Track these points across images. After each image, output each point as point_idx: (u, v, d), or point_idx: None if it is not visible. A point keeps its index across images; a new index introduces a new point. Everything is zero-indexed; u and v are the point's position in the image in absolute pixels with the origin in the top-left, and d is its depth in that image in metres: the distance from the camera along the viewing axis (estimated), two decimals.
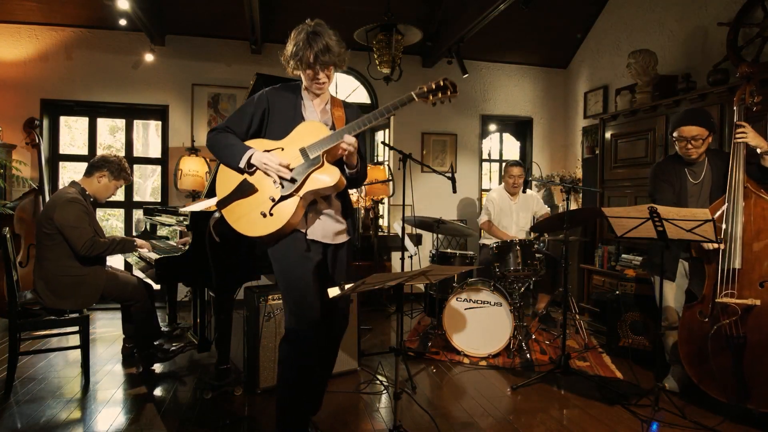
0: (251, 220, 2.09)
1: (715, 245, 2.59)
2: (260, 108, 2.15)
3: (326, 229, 2.19)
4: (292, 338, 2.11)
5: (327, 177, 2.05)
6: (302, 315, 2.07)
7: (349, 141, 2.02)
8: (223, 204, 2.16)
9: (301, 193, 2.05)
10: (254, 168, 2.09)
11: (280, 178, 2.05)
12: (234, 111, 2.23)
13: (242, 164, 2.06)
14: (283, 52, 2.10)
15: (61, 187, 4.66)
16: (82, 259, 3.00)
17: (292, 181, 2.05)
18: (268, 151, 2.10)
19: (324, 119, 2.19)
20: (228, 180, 2.16)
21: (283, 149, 2.10)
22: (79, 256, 2.98)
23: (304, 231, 2.14)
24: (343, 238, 2.26)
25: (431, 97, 2.07)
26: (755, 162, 2.74)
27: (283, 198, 2.06)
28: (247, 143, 2.13)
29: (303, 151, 2.07)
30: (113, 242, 3.07)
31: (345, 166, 2.16)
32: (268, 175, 2.07)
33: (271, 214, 2.06)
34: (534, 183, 5.78)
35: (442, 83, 2.06)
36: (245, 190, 2.12)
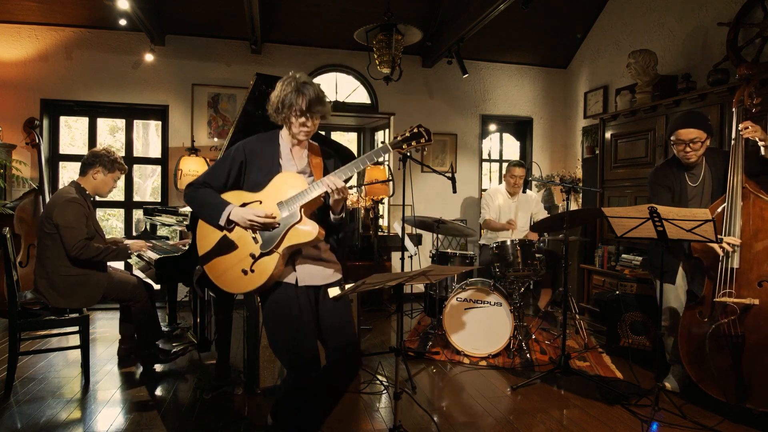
0: (233, 277, 2.09)
1: (728, 248, 2.59)
2: (237, 161, 2.14)
3: (315, 273, 2.14)
4: (293, 379, 2.10)
5: (305, 233, 2.02)
6: (297, 361, 2.05)
7: (333, 183, 1.98)
8: (204, 260, 2.16)
9: (280, 249, 2.03)
10: (233, 225, 2.08)
11: (264, 229, 2.03)
12: (211, 165, 2.22)
13: (222, 222, 2.06)
14: (269, 100, 2.12)
15: (61, 187, 4.66)
16: (78, 260, 3.00)
17: (272, 237, 2.03)
18: (247, 204, 2.09)
19: (301, 167, 2.18)
20: (208, 235, 2.15)
21: (261, 202, 2.09)
22: (70, 256, 2.97)
23: (293, 283, 2.10)
24: (335, 278, 2.20)
25: (405, 146, 2.06)
26: (756, 155, 2.74)
27: (263, 254, 2.04)
28: (225, 195, 2.13)
29: (281, 206, 2.06)
30: (107, 249, 3.04)
31: (330, 212, 2.13)
32: (252, 230, 2.05)
33: (252, 271, 2.05)
34: (534, 183, 5.79)
35: (416, 130, 2.06)
36: (225, 246, 2.11)
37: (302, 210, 2.03)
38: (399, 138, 2.07)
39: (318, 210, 2.13)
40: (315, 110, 2.06)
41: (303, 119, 2.07)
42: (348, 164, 2.06)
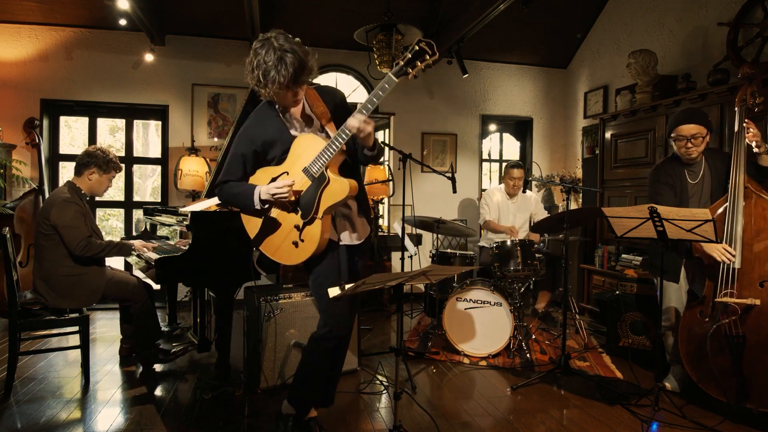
0: (286, 250, 2.17)
1: (728, 258, 2.59)
2: (249, 150, 2.17)
3: (351, 233, 2.28)
4: (321, 325, 2.22)
5: (337, 192, 2.05)
6: (333, 304, 2.16)
7: (354, 125, 1.93)
8: (257, 242, 2.25)
9: (320, 214, 2.08)
10: (268, 204, 2.14)
11: (295, 195, 2.09)
12: (225, 159, 2.27)
13: (257, 205, 2.13)
14: (247, 72, 1.96)
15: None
16: (79, 259, 3.00)
17: (308, 205, 2.09)
18: (275, 177, 2.14)
19: (311, 126, 2.19)
20: (252, 219, 2.24)
21: (287, 173, 2.14)
22: (74, 255, 2.98)
23: (336, 240, 2.21)
24: (365, 236, 2.34)
25: (411, 70, 1.85)
26: (753, 161, 2.74)
27: (306, 224, 2.10)
28: (254, 177, 2.21)
29: (306, 172, 2.08)
30: (110, 245, 3.06)
31: (363, 150, 2.12)
32: (284, 204, 2.12)
33: (302, 241, 2.12)
34: (534, 183, 5.79)
35: (417, 47, 1.81)
36: (270, 225, 2.19)
37: (328, 170, 2.04)
38: (401, 63, 1.85)
39: (348, 153, 2.14)
40: (301, 81, 1.94)
41: (288, 93, 1.98)
42: (356, 111, 1.98)
